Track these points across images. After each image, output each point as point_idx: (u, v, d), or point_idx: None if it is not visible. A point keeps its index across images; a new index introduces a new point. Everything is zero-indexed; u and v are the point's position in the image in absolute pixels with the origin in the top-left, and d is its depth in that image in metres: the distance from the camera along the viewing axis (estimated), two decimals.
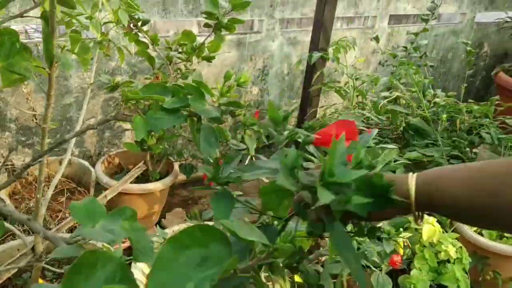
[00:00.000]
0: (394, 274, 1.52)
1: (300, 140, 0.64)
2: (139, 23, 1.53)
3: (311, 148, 0.65)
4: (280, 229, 0.54)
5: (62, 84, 1.94)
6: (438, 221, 1.57)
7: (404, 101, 2.22)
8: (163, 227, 1.97)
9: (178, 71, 1.76)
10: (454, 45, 3.18)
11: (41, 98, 1.90)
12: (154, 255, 0.49)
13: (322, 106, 2.40)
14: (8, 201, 1.64)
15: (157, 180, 1.93)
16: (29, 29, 1.87)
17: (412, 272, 1.50)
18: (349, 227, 0.67)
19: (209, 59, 1.62)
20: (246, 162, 1.33)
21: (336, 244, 0.50)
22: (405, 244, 1.50)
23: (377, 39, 2.32)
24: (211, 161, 0.63)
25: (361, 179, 0.49)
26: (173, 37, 1.70)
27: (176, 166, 1.99)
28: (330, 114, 2.08)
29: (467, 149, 2.11)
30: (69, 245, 0.51)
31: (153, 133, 1.82)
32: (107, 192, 1.68)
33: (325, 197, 0.45)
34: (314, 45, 2.08)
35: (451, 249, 1.48)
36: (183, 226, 1.70)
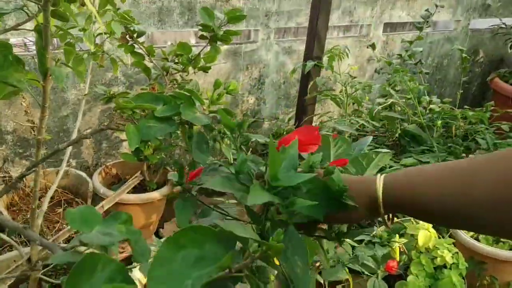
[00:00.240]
0: (391, 280, 1.53)
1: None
2: (135, 35, 1.55)
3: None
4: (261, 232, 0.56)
5: (59, 96, 1.96)
6: (433, 227, 1.58)
7: (399, 108, 2.23)
8: (161, 237, 1.97)
9: (175, 82, 1.77)
10: (449, 52, 3.20)
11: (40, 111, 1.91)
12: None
13: (318, 114, 2.42)
14: (5, 213, 1.65)
15: (154, 190, 1.94)
16: (28, 42, 1.89)
17: (408, 278, 1.50)
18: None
19: (205, 69, 1.64)
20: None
21: (286, 248, 0.50)
22: (401, 250, 1.51)
23: (373, 46, 2.34)
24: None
25: (316, 183, 0.51)
26: (169, 48, 1.71)
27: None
28: (325, 121, 2.09)
29: (463, 155, 2.12)
30: (65, 251, 0.52)
31: (149, 143, 1.84)
32: (104, 202, 1.69)
33: (252, 199, 0.46)
34: (309, 54, 2.10)
35: (447, 254, 1.49)
36: None
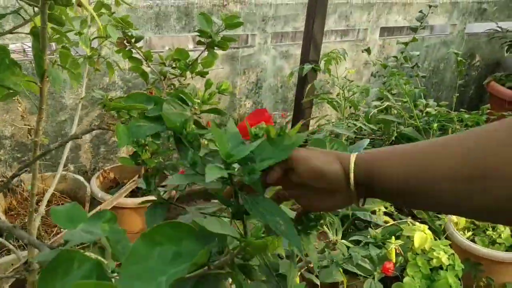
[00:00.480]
0: (387, 281, 1.53)
1: None
2: (133, 40, 1.56)
3: None
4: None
5: (58, 101, 1.97)
6: (430, 228, 1.59)
7: (395, 111, 2.25)
8: None
9: (172, 86, 1.78)
10: (445, 55, 3.22)
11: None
12: None
13: (315, 117, 2.43)
14: (3, 217, 1.66)
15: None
16: (27, 48, 1.90)
17: (405, 280, 1.51)
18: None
19: (202, 74, 1.65)
20: None
21: (262, 213, 0.53)
22: (398, 251, 1.51)
23: (368, 50, 2.35)
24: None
25: (266, 151, 0.55)
26: (166, 53, 1.73)
27: None
28: (323, 124, 2.10)
29: None
30: (52, 249, 0.53)
31: (147, 147, 1.84)
32: (101, 206, 1.69)
33: (209, 175, 0.49)
34: (305, 58, 2.11)
35: (443, 256, 1.49)
36: None
